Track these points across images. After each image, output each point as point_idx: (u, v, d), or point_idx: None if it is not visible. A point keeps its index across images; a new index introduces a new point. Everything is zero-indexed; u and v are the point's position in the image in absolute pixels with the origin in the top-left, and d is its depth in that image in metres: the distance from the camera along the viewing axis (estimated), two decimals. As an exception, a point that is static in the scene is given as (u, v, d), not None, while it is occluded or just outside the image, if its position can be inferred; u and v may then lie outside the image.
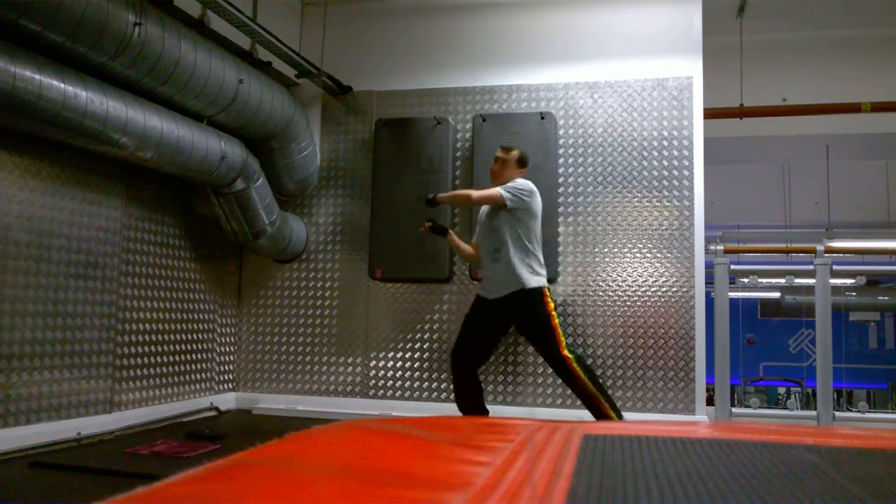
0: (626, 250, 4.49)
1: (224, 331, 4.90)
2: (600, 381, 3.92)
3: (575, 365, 3.60)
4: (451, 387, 4.03)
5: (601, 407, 3.62)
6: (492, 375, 4.58)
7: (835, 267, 5.26)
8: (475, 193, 3.83)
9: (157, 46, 3.38)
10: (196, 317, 4.60)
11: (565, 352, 3.59)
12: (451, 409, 4.50)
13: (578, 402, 4.42)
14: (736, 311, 7.45)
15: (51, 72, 3.00)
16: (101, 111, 3.25)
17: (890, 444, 1.19)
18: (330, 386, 4.84)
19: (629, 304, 4.46)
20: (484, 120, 4.67)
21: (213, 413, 4.63)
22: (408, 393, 4.71)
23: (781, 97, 5.56)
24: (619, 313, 4.46)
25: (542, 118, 4.60)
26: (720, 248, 5.26)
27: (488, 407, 4.01)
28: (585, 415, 4.31)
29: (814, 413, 5.11)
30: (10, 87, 2.82)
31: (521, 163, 3.91)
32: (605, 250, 4.52)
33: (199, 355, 4.62)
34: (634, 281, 4.46)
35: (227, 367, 4.92)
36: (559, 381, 4.45)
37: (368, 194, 4.86)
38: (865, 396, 11.13)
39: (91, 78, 3.24)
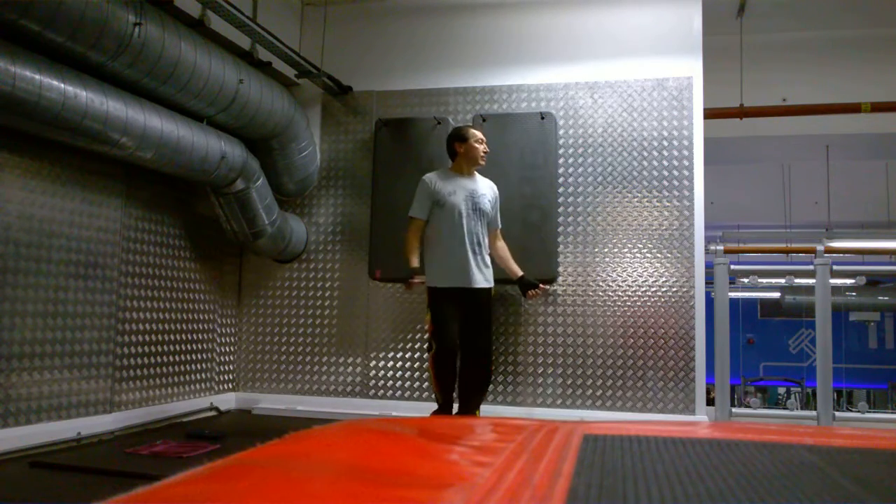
0: (626, 250, 4.49)
1: (224, 331, 4.90)
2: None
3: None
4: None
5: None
6: (492, 375, 4.57)
7: (835, 267, 5.25)
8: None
9: (156, 46, 3.38)
10: (196, 317, 4.60)
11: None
12: (451, 409, 4.51)
13: (579, 402, 4.45)
14: (736, 311, 7.45)
15: (51, 72, 3.00)
16: (101, 111, 3.25)
17: (890, 444, 1.19)
18: (330, 386, 4.84)
19: (629, 304, 4.46)
20: (484, 120, 4.66)
21: (213, 413, 4.63)
22: (408, 393, 4.71)
23: (781, 97, 5.56)
24: (619, 313, 4.46)
25: (542, 118, 4.60)
26: (720, 248, 5.25)
27: (488, 407, 4.02)
28: (586, 415, 4.33)
29: (814, 413, 5.10)
30: (10, 87, 2.82)
31: None
32: (605, 250, 4.52)
33: (198, 355, 4.62)
34: (634, 281, 4.46)
35: (227, 367, 4.92)
36: (559, 381, 4.46)
37: (368, 194, 4.86)
38: (865, 396, 11.14)
39: (91, 78, 3.24)
